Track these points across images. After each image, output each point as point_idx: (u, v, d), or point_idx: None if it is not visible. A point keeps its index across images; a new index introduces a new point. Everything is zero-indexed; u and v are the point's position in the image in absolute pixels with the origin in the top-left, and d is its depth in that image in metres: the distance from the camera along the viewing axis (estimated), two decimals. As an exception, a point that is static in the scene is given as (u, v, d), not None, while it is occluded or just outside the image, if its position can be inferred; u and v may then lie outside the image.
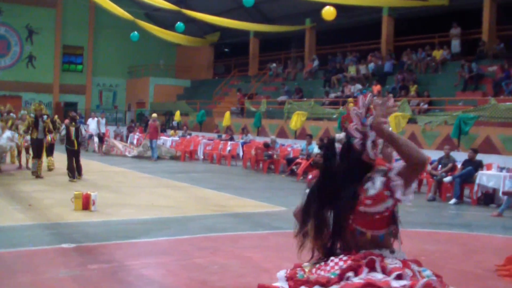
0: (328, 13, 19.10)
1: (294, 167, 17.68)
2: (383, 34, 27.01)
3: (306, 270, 2.95)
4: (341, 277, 2.72)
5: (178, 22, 27.61)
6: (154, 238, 8.43)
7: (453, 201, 13.21)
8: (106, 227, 9.04)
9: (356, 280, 2.67)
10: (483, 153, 15.28)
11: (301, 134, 23.06)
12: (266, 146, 19.45)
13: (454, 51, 23.76)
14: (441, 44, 24.16)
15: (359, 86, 24.53)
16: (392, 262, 2.76)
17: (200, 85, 38.58)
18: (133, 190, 13.71)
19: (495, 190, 13.10)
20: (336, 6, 19.74)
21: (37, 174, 14.96)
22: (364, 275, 2.68)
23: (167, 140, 25.57)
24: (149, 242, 8.22)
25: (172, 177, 16.51)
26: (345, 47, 29.29)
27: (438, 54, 23.68)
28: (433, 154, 16.50)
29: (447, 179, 13.59)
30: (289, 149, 20.27)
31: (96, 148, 25.32)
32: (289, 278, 2.92)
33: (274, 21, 32.13)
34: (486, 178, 13.01)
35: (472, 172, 13.29)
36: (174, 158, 23.12)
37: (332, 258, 2.87)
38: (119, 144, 25.03)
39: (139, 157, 22.94)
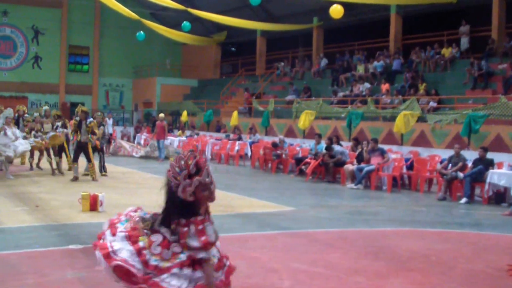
0: (336, 11, 19.00)
1: (303, 167, 17.56)
2: (391, 32, 26.85)
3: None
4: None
5: (184, 22, 27.57)
6: (162, 239, 8.33)
7: (463, 200, 13.08)
8: (113, 228, 8.94)
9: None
10: (494, 152, 15.13)
11: (310, 134, 22.95)
12: (275, 145, 19.34)
13: (463, 48, 23.58)
14: (450, 42, 23.98)
15: (367, 85, 24.38)
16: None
17: (207, 84, 38.50)
18: (140, 190, 13.64)
19: (506, 189, 12.95)
20: (344, 4, 19.63)
21: (77, 179, 14.84)
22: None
23: (174, 140, 25.53)
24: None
25: (180, 177, 16.35)
26: (353, 46, 29.15)
27: (447, 52, 23.51)
28: (443, 153, 16.41)
29: (461, 175, 13.45)
30: (297, 148, 20.17)
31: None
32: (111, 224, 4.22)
33: (281, 19, 32.01)
34: (497, 176, 12.87)
35: (482, 171, 13.16)
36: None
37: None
38: (126, 145, 25.00)
39: (146, 157, 22.90)
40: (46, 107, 18.72)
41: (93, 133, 15.18)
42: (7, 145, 14.77)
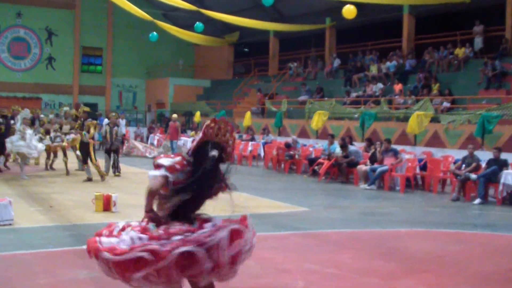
0: (349, 11, 18.96)
1: (316, 167, 17.53)
2: (404, 32, 26.74)
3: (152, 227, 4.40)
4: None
5: (197, 22, 27.58)
6: (175, 239, 8.35)
7: (477, 201, 12.99)
8: (126, 228, 8.97)
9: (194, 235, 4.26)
10: (508, 152, 15.01)
11: (323, 134, 22.91)
12: (288, 146, 19.33)
13: (476, 48, 23.43)
14: (463, 42, 23.83)
15: (380, 85, 24.29)
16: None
17: (220, 85, 38.53)
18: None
19: (520, 190, 12.88)
20: (357, 4, 19.57)
21: (90, 180, 14.92)
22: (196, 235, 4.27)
23: (187, 141, 25.54)
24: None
25: (192, 177, 16.37)
26: (365, 46, 29.03)
27: (460, 52, 23.37)
28: (457, 154, 16.30)
29: (473, 176, 13.37)
30: (310, 149, 20.13)
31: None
32: (144, 230, 4.36)
33: (294, 20, 31.95)
34: (511, 177, 12.78)
35: (496, 172, 13.07)
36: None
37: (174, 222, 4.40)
38: (139, 145, 25.06)
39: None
40: (66, 108, 18.88)
41: (89, 132, 15.31)
42: (29, 145, 14.88)
